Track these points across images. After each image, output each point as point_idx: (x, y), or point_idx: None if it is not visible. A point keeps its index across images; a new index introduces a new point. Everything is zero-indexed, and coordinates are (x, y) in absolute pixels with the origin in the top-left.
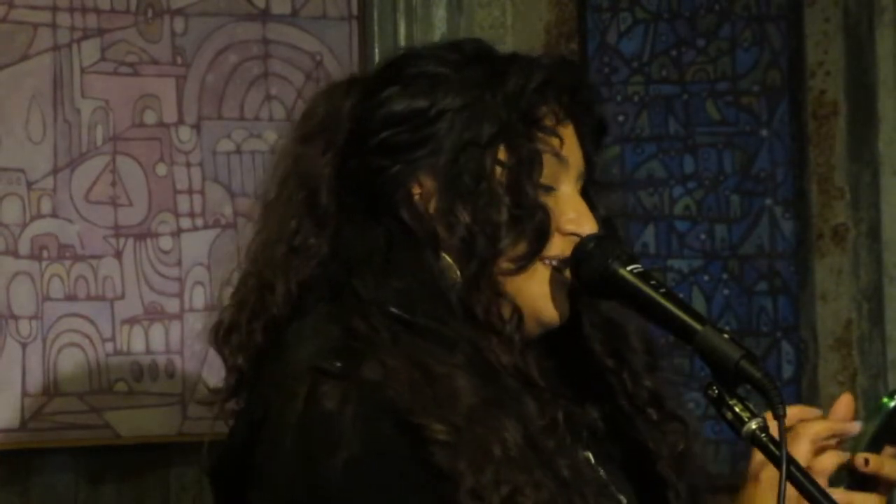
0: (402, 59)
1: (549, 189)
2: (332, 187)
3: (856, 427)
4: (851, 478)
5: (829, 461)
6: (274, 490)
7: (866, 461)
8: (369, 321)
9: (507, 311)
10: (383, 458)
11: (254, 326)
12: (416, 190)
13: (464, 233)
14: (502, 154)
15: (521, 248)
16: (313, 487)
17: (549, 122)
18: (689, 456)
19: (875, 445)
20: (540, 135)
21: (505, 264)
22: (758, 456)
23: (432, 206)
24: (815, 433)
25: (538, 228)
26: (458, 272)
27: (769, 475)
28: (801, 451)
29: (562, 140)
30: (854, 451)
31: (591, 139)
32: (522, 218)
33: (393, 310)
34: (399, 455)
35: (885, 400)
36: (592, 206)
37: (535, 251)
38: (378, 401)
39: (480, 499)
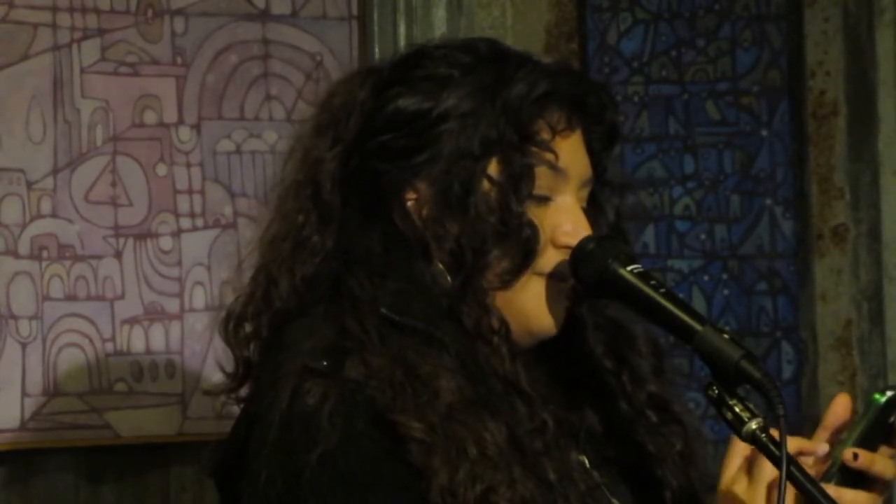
0: (413, 56)
1: (545, 200)
2: (337, 183)
3: (825, 449)
4: (843, 474)
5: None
6: (257, 484)
7: (855, 456)
8: (361, 321)
9: (495, 323)
10: (357, 453)
11: (261, 320)
12: (412, 196)
13: (452, 245)
14: (494, 167)
15: (508, 263)
16: (289, 481)
17: (545, 135)
18: (689, 459)
19: (866, 441)
20: (535, 149)
21: (492, 278)
22: (730, 471)
23: (425, 214)
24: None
25: (525, 245)
26: (449, 280)
27: (740, 489)
28: (767, 465)
29: (557, 154)
30: (844, 446)
31: (601, 144)
32: (509, 234)
33: (384, 311)
34: (374, 451)
35: (877, 396)
36: (600, 210)
37: (522, 267)
38: (357, 398)
39: (454, 496)
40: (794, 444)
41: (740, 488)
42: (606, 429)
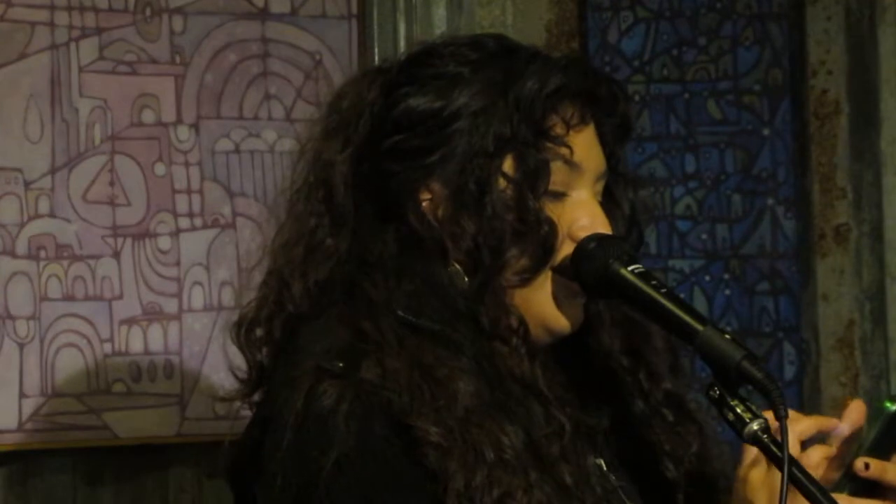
0: (422, 55)
1: (561, 196)
2: (349, 186)
3: (843, 427)
4: (854, 483)
5: (815, 455)
6: (272, 486)
7: (866, 465)
8: (377, 323)
9: (513, 322)
10: (374, 457)
11: (273, 324)
12: (426, 196)
13: (469, 244)
14: (509, 164)
15: (526, 261)
16: (305, 484)
17: (559, 130)
18: (705, 458)
19: (878, 450)
20: (549, 144)
21: (510, 277)
22: (747, 459)
23: (440, 214)
24: (801, 430)
25: (543, 243)
26: (466, 280)
27: (757, 475)
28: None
29: (571, 149)
30: (855, 455)
31: (615, 137)
32: (527, 232)
33: (400, 313)
34: (390, 455)
35: (888, 403)
36: (615, 203)
37: (541, 265)
38: (374, 400)
39: (471, 500)
40: (812, 423)
41: (758, 474)
42: (622, 429)
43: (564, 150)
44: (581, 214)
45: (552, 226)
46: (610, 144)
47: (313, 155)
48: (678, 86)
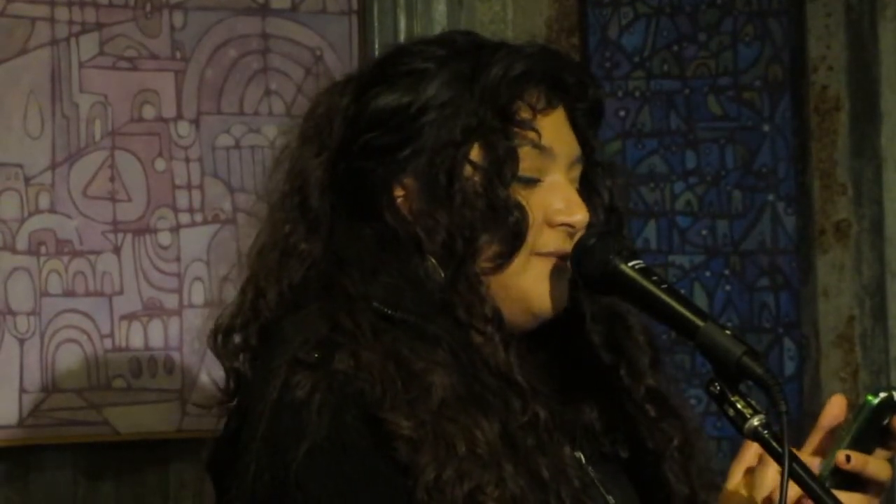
0: (390, 55)
1: (533, 182)
2: (325, 190)
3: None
4: (836, 477)
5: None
6: (245, 477)
7: (848, 458)
8: (354, 316)
9: (488, 311)
10: (345, 448)
11: (249, 331)
12: (399, 192)
13: (442, 235)
14: (477, 152)
15: (498, 247)
16: (277, 475)
17: (525, 114)
18: (688, 455)
19: (860, 443)
20: (517, 130)
21: (484, 264)
22: (734, 477)
23: (414, 208)
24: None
25: (514, 228)
26: (442, 274)
27: (747, 494)
28: (768, 474)
29: (539, 133)
30: (837, 448)
31: (586, 121)
32: (497, 218)
33: (377, 305)
34: (362, 447)
35: (870, 397)
36: (594, 191)
37: (513, 250)
38: (347, 392)
39: (441, 493)
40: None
41: (746, 493)
42: (604, 423)
43: (532, 134)
44: (556, 199)
45: (522, 210)
46: (582, 130)
47: (289, 163)
48: (678, 82)
